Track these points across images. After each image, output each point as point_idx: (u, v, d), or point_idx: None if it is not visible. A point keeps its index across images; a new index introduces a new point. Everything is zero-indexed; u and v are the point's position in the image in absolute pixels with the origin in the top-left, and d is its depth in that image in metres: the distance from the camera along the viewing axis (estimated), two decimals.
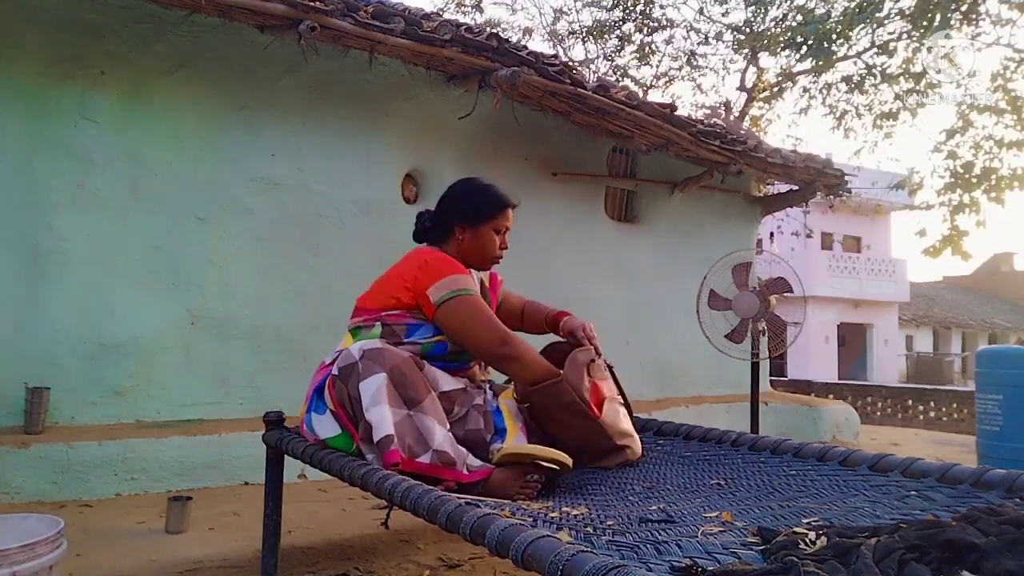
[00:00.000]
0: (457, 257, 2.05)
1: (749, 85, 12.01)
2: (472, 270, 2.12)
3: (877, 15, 8.35)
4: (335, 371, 1.78)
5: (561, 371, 1.91)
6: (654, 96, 10.86)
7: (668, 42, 14.12)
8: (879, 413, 10.90)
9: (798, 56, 9.54)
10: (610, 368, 2.08)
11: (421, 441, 1.67)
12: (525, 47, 3.95)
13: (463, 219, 2.04)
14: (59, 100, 3.25)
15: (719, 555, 1.05)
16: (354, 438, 1.78)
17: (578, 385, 1.89)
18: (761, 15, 10.88)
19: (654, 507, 1.50)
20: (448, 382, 1.87)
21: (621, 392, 2.08)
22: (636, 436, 2.03)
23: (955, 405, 10.25)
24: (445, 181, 4.32)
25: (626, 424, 2.01)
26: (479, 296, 1.94)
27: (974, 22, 8.71)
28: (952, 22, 8.05)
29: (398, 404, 1.69)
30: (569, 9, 13.76)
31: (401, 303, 1.92)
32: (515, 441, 1.88)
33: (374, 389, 1.68)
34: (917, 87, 9.93)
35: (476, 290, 1.95)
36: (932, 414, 10.45)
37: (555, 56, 4.06)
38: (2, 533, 1.66)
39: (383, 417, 1.65)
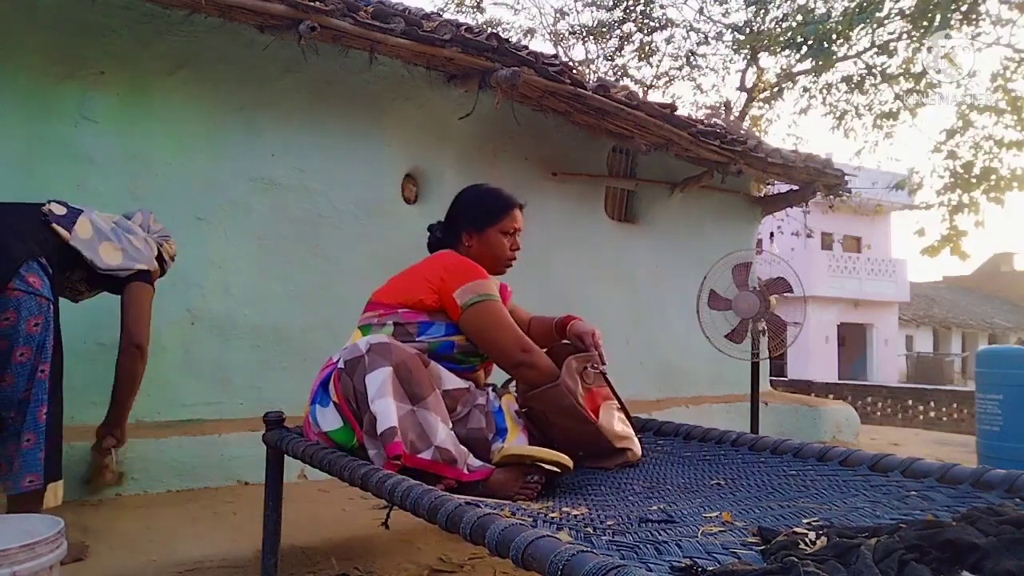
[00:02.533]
0: None
1: (749, 85, 12.04)
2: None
3: (877, 15, 8.37)
4: (341, 364, 1.79)
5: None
6: (654, 96, 10.88)
7: (668, 42, 14.16)
8: (879, 413, 10.92)
9: (798, 56, 9.57)
10: (604, 375, 2.09)
11: (423, 437, 1.68)
12: (525, 47, 3.95)
13: (470, 225, 2.06)
14: (59, 100, 3.24)
15: (719, 555, 1.05)
16: (355, 432, 1.79)
17: (574, 390, 1.90)
18: (761, 15, 10.89)
19: (654, 507, 1.50)
20: (452, 381, 1.88)
21: (617, 397, 2.09)
22: (635, 439, 2.03)
23: (955, 405, 10.27)
24: (445, 181, 4.38)
25: (624, 427, 2.01)
26: (501, 302, 1.97)
27: (974, 22, 8.72)
28: (952, 22, 8.05)
29: (402, 399, 1.70)
30: (570, 9, 13.79)
31: (424, 304, 1.94)
32: (516, 441, 1.89)
33: (379, 382, 1.69)
34: (917, 87, 9.94)
35: (499, 296, 1.97)
36: (932, 414, 10.46)
37: (555, 56, 4.06)
38: (2, 533, 1.66)
39: (388, 409, 1.66)
